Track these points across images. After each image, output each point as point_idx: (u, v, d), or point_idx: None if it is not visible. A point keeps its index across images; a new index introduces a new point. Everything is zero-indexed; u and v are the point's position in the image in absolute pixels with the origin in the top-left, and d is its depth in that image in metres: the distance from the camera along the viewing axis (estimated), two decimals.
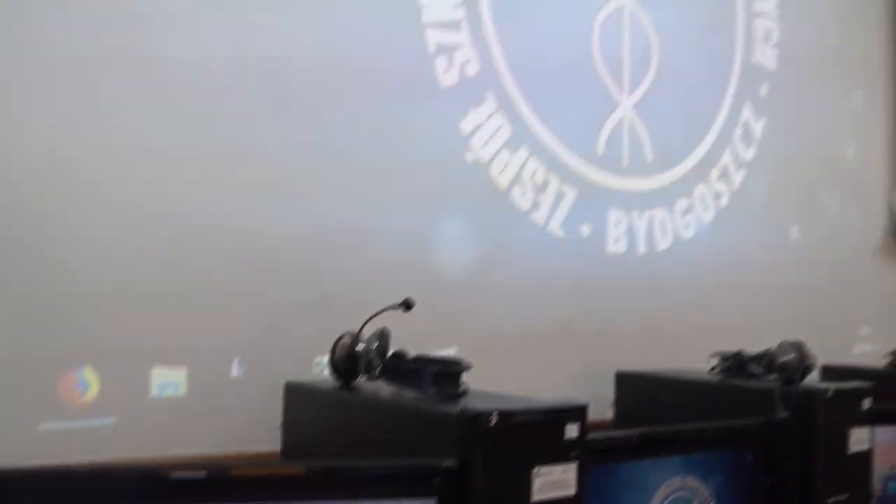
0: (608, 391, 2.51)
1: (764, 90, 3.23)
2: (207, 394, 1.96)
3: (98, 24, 1.86)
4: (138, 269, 1.90)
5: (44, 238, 1.79)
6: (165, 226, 1.93)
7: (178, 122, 1.96)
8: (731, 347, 2.42)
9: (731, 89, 3.12)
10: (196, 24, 1.99)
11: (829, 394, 2.07)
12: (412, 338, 1.89)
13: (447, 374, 1.69)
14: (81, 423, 1.80)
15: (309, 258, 2.15)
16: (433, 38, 2.37)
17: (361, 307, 1.93)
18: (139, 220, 1.90)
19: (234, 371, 2.01)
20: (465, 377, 1.69)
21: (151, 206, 1.92)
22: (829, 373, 2.80)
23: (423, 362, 1.75)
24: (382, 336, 1.79)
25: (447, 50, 2.39)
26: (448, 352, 2.32)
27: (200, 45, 1.99)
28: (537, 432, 1.49)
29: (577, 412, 1.54)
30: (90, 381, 1.82)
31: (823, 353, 2.42)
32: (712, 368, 2.36)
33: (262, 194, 2.07)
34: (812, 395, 2.07)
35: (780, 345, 2.22)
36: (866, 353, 3.49)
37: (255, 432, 1.95)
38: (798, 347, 2.19)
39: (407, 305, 1.93)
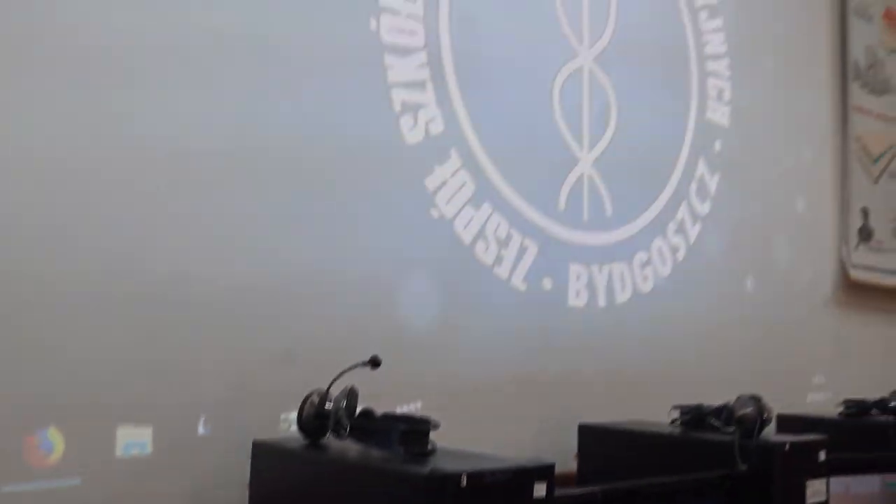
0: (572, 442, 2.54)
1: (717, 146, 3.33)
2: (174, 452, 1.95)
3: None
4: (102, 325, 1.89)
5: (5, 295, 1.78)
6: (129, 281, 1.93)
7: (147, 177, 1.97)
8: (691, 397, 2.48)
9: (687, 146, 3.22)
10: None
11: (787, 447, 2.12)
12: (377, 392, 1.92)
13: (415, 432, 1.71)
14: (47, 484, 1.78)
15: (275, 313, 2.16)
16: (399, 97, 2.42)
17: (327, 362, 1.96)
18: (102, 275, 1.90)
19: (201, 429, 2.00)
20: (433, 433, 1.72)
21: (115, 262, 1.92)
22: (784, 422, 2.87)
23: (391, 421, 1.77)
24: (351, 394, 1.82)
25: (412, 109, 2.44)
26: (413, 406, 2.35)
27: (178, 114, 2.01)
28: (506, 492, 1.51)
29: (545, 471, 1.57)
30: (55, 442, 1.80)
31: (778, 402, 2.48)
32: (673, 421, 2.41)
33: (228, 248, 2.08)
34: (770, 448, 2.12)
35: (739, 398, 2.27)
36: (820, 401, 3.57)
37: (222, 491, 1.95)
38: (756, 401, 2.25)
39: (374, 363, 1.96)
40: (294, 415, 2.12)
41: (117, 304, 1.92)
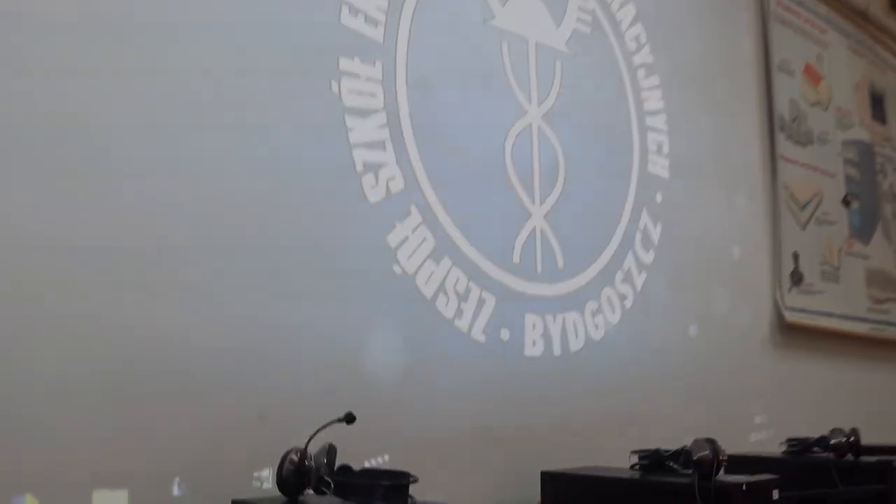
0: (534, 490, 2.60)
1: (659, 198, 3.48)
2: None
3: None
4: (75, 390, 1.89)
5: None
6: (102, 346, 1.93)
7: (120, 242, 1.99)
8: (643, 441, 2.57)
9: (631, 198, 3.36)
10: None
11: (744, 487, 2.22)
12: (344, 447, 1.95)
13: (396, 487, 1.75)
14: None
15: (245, 374, 2.18)
16: (361, 157, 2.49)
17: (297, 419, 2.00)
18: (76, 340, 1.90)
19: (176, 491, 2.00)
20: None
21: (88, 326, 1.92)
22: (732, 462, 2.97)
23: (372, 476, 1.81)
24: (331, 451, 1.85)
25: (374, 168, 2.51)
26: (380, 460, 2.38)
27: (153, 180, 2.05)
28: None
29: None
30: None
31: (723, 443, 2.58)
32: (632, 465, 2.49)
33: (198, 311, 2.10)
34: (728, 488, 2.22)
35: (695, 441, 2.37)
36: (763, 439, 3.72)
37: None
38: (711, 443, 2.34)
39: (349, 419, 2.00)
40: (266, 473, 2.15)
41: (90, 368, 1.92)
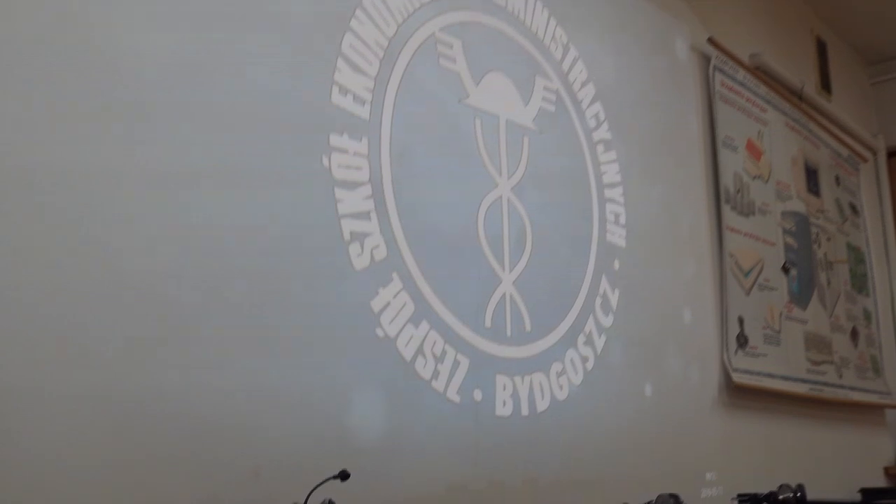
0: None
1: (616, 265, 3.70)
2: None
3: None
4: (68, 448, 1.95)
5: None
6: (96, 403, 2.01)
7: (115, 300, 2.10)
8: (605, 495, 2.72)
9: (591, 265, 3.56)
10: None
11: None
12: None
13: None
14: None
15: (239, 432, 2.28)
16: (348, 227, 2.64)
17: (287, 475, 2.14)
18: (69, 400, 1.97)
19: None
20: None
21: (83, 381, 2.00)
22: None
23: None
24: None
25: (360, 237, 2.67)
26: None
27: (149, 244, 2.17)
28: None
29: None
30: None
31: None
32: None
33: (191, 370, 2.20)
34: None
35: (659, 497, 2.54)
36: (713, 496, 3.90)
37: None
38: (675, 498, 2.52)
39: (343, 476, 2.14)
40: None
41: (84, 425, 2.00)
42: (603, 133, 3.78)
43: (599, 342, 3.53)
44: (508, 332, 3.13)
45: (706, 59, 4.68)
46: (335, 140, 2.66)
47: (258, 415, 2.33)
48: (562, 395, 3.29)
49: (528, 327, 3.21)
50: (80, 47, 2.11)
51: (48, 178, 2.01)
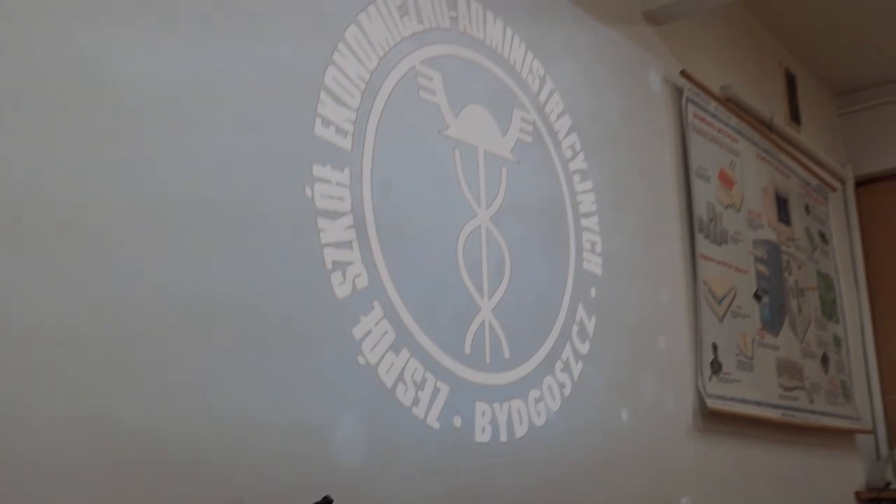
0: None
1: (593, 292, 3.77)
2: None
3: None
4: (51, 479, 1.97)
5: None
6: (79, 433, 2.03)
7: (103, 329, 2.13)
8: None
9: (568, 293, 3.63)
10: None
11: None
12: None
13: None
14: None
15: (221, 461, 2.31)
16: (330, 256, 2.69)
17: (272, 500, 2.15)
18: (56, 433, 1.99)
19: None
20: None
21: (67, 411, 2.02)
22: None
23: None
24: None
25: (342, 266, 2.72)
26: None
27: (135, 272, 2.21)
28: None
29: None
30: None
31: None
32: None
33: (175, 399, 2.23)
34: None
35: None
36: None
37: None
38: None
39: (327, 502, 2.17)
40: None
41: (66, 453, 2.01)
42: (579, 163, 3.86)
43: (576, 369, 3.58)
44: (487, 359, 3.18)
45: (679, 91, 4.80)
46: (318, 170, 2.71)
47: (241, 442, 2.36)
48: (540, 422, 3.34)
49: (506, 354, 3.26)
50: (64, 79, 2.16)
51: (35, 209, 2.05)
